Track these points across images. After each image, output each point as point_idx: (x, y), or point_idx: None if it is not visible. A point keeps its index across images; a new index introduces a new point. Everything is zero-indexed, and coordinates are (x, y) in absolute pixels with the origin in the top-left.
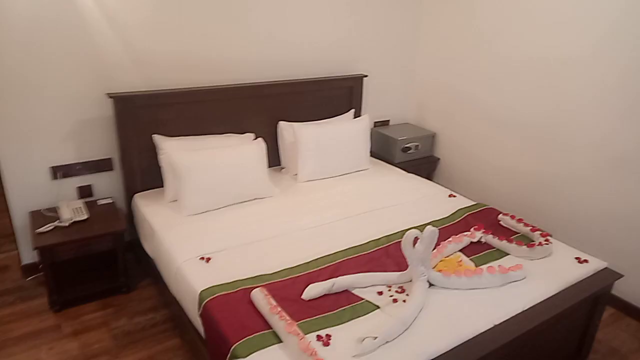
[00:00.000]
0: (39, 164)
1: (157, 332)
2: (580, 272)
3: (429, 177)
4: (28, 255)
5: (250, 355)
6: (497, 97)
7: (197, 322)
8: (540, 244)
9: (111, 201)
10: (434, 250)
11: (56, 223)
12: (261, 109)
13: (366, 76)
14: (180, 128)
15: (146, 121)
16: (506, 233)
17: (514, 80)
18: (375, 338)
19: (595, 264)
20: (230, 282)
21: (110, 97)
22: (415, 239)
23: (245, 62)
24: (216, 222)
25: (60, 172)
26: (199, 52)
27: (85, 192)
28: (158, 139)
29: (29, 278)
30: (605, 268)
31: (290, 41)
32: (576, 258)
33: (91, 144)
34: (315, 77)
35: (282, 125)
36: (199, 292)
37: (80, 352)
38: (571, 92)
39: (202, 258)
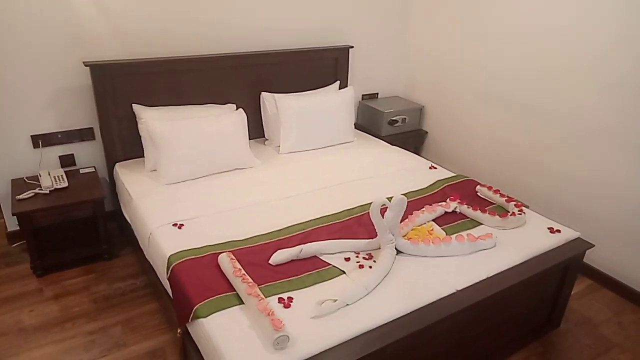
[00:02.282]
0: (19, 132)
1: (135, 297)
2: (551, 242)
3: (416, 150)
4: (13, 222)
5: (211, 315)
6: (485, 69)
7: (168, 286)
8: (513, 214)
9: (93, 170)
10: (406, 219)
11: (36, 190)
12: (244, 80)
13: (352, 47)
14: (160, 98)
15: (125, 90)
16: (482, 204)
17: (502, 52)
18: (335, 301)
19: (567, 234)
20: (199, 247)
21: (87, 65)
22: (385, 208)
23: (227, 31)
24: (193, 190)
25: (41, 140)
26: (181, 20)
27: (67, 161)
28: (137, 108)
29: (15, 244)
30: (577, 238)
31: (274, 10)
32: (549, 228)
33: (72, 113)
34: (299, 47)
35: (265, 96)
36: (168, 256)
37: (60, 314)
38: (554, 64)
39: (175, 224)
